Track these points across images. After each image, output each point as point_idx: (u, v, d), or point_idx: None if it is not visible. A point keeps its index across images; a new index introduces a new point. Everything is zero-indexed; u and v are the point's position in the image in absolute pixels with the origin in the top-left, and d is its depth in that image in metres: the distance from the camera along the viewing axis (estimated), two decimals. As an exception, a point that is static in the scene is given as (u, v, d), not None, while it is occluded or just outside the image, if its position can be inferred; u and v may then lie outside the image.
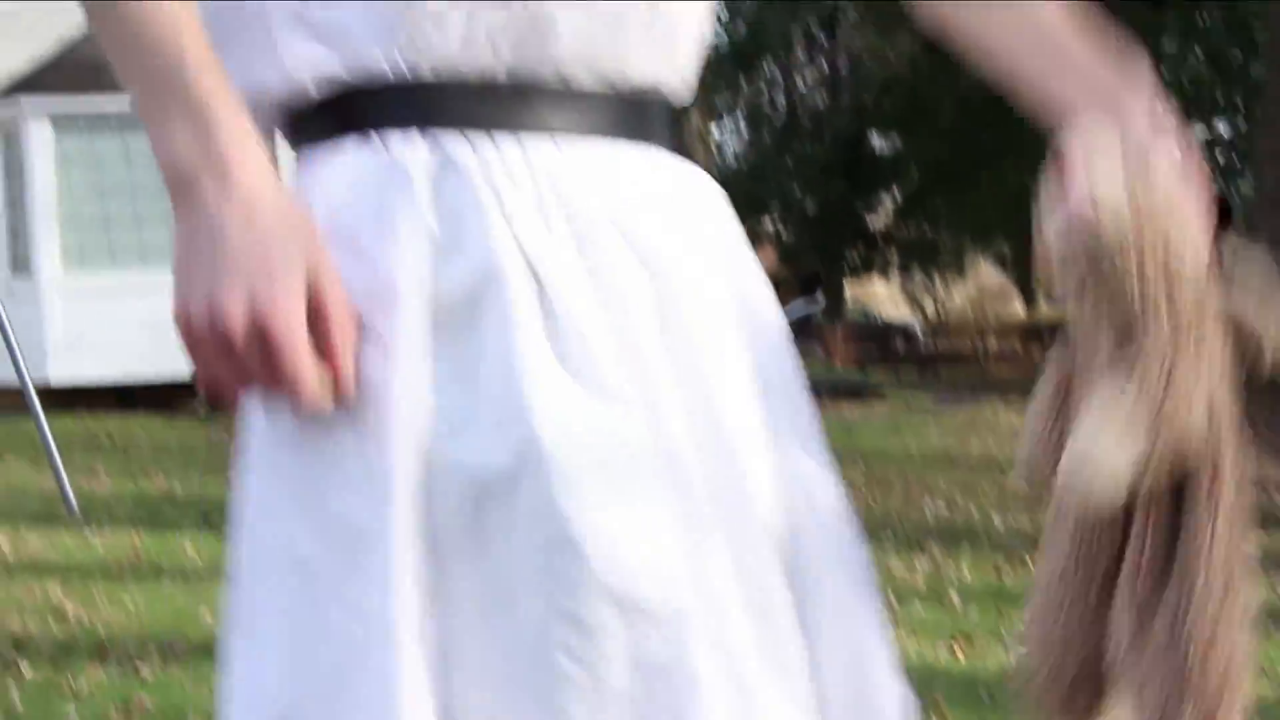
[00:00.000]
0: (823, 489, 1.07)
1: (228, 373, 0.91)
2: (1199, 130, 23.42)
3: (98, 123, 12.81)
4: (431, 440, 0.92)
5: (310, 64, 0.98)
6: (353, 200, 0.96)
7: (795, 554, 1.03)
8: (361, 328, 0.93)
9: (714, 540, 0.97)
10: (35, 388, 7.49)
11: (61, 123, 13.11)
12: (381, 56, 0.96)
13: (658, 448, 0.95)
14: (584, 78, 1.00)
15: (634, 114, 1.04)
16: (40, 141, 13.12)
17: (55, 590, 5.38)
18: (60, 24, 13.34)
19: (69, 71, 12.98)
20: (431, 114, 0.97)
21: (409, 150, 0.96)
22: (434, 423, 0.93)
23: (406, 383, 0.92)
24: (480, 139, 0.97)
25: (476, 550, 0.93)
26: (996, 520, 6.98)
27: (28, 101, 13.17)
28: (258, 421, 0.99)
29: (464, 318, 0.94)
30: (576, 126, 1.00)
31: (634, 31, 1.01)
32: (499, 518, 0.92)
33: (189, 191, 0.91)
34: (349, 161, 0.98)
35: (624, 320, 0.97)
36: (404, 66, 0.96)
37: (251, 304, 0.89)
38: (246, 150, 0.92)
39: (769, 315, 1.10)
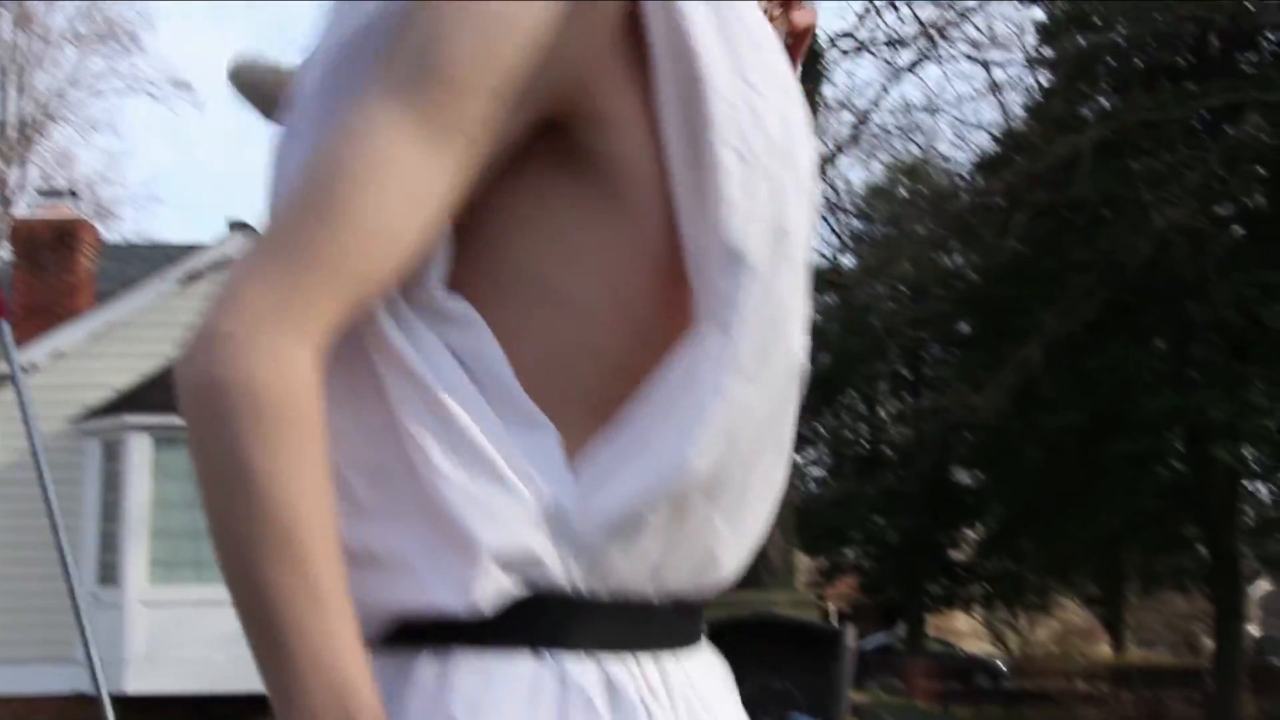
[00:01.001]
0: None
1: None
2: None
3: (197, 438, 13.10)
4: None
5: (497, 590, 0.98)
6: (532, 717, 0.97)
7: None
8: None
9: None
10: (111, 697, 7.45)
11: (161, 437, 13.47)
12: (565, 579, 1.00)
13: None
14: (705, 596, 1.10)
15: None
16: (140, 455, 13.46)
17: None
18: (168, 342, 13.87)
19: (173, 389, 13.36)
20: (602, 634, 1.01)
21: (582, 671, 0.99)
22: None
23: None
24: (630, 660, 1.01)
25: None
26: None
27: (131, 416, 13.59)
28: None
29: None
30: (686, 637, 1.08)
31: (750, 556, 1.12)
32: None
33: None
34: (521, 676, 0.98)
35: None
36: (583, 588, 1.00)
37: None
38: None
39: None
